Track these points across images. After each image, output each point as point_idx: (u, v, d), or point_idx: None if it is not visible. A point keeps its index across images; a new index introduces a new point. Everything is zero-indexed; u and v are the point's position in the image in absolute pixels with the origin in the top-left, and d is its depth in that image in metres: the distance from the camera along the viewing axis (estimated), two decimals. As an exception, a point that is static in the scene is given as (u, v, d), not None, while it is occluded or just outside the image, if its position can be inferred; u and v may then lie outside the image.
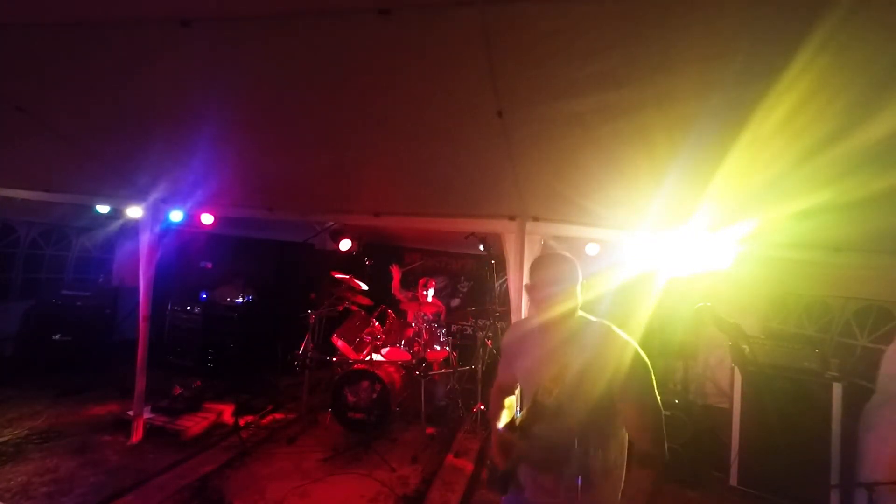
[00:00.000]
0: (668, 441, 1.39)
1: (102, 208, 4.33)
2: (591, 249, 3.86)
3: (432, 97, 1.96)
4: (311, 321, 4.53)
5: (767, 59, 1.36)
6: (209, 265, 6.52)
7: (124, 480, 3.08)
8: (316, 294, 4.85)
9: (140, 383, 3.72)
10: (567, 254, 1.60)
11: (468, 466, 3.72)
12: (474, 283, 6.97)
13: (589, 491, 1.44)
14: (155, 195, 3.70)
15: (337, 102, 2.11)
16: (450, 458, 3.85)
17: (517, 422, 1.57)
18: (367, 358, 4.38)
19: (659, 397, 1.43)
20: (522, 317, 2.92)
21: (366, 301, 4.86)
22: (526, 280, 1.61)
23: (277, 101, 2.17)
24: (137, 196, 3.73)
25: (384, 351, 4.63)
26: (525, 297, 2.88)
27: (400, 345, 4.65)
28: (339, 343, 4.56)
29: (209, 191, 3.52)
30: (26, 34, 1.82)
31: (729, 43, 1.36)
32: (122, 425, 3.77)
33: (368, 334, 4.56)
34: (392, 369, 4.38)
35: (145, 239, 3.74)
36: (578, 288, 1.52)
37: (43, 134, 2.72)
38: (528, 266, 1.70)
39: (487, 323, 4.96)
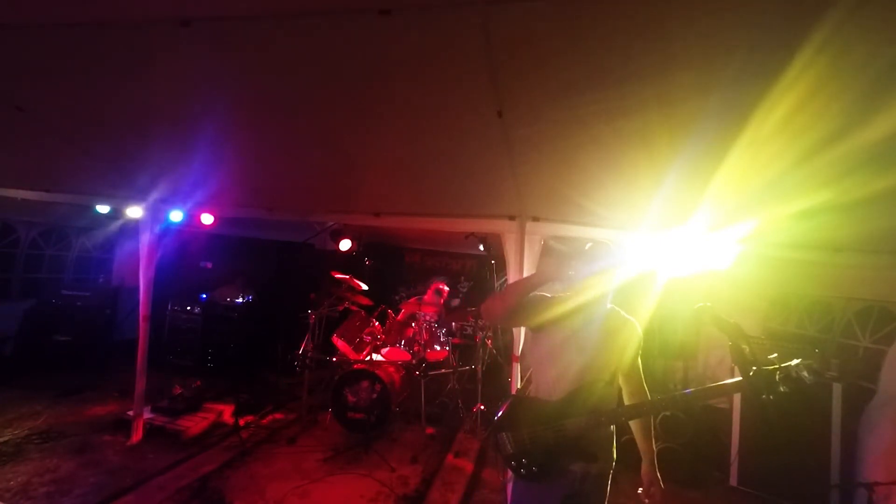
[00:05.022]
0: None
1: (102, 208, 4.33)
2: (591, 249, 3.86)
3: (433, 97, 1.95)
4: (311, 321, 4.53)
5: (767, 59, 1.36)
6: (209, 265, 6.53)
7: (124, 480, 3.08)
8: (316, 294, 4.85)
9: (140, 383, 3.71)
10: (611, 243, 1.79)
11: (468, 466, 3.72)
12: (474, 283, 6.98)
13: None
14: (155, 195, 3.70)
15: (337, 102, 2.11)
16: (450, 458, 3.85)
17: (543, 405, 1.71)
18: (367, 358, 4.38)
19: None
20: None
21: (366, 301, 4.86)
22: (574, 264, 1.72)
23: (277, 100, 2.17)
24: (137, 196, 3.73)
25: (384, 351, 4.63)
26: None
27: (400, 345, 4.66)
28: (339, 343, 4.56)
29: (209, 191, 3.51)
30: (26, 34, 1.82)
31: (729, 43, 1.36)
32: (122, 425, 3.77)
33: (368, 334, 4.56)
34: (392, 369, 4.38)
35: (145, 239, 3.74)
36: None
37: (43, 134, 2.72)
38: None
39: (487, 323, 4.96)
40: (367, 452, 3.76)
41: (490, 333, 4.89)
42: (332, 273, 4.76)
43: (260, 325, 5.82)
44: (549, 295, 1.80)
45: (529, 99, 1.81)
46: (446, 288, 5.13)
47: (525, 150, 2.21)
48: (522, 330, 2.97)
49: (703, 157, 1.85)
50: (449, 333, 4.98)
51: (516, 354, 2.98)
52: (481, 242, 4.24)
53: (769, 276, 3.72)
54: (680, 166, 1.97)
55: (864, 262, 2.61)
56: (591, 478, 1.66)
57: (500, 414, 1.80)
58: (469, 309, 5.80)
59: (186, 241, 5.99)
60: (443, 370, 4.74)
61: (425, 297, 4.92)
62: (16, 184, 3.81)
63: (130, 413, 3.72)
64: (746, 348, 1.43)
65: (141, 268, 3.74)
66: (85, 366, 5.21)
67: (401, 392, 4.41)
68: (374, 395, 3.98)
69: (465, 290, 7.05)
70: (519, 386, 2.95)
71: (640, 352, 1.80)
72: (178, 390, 4.13)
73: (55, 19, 1.71)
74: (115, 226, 6.02)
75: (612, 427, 1.73)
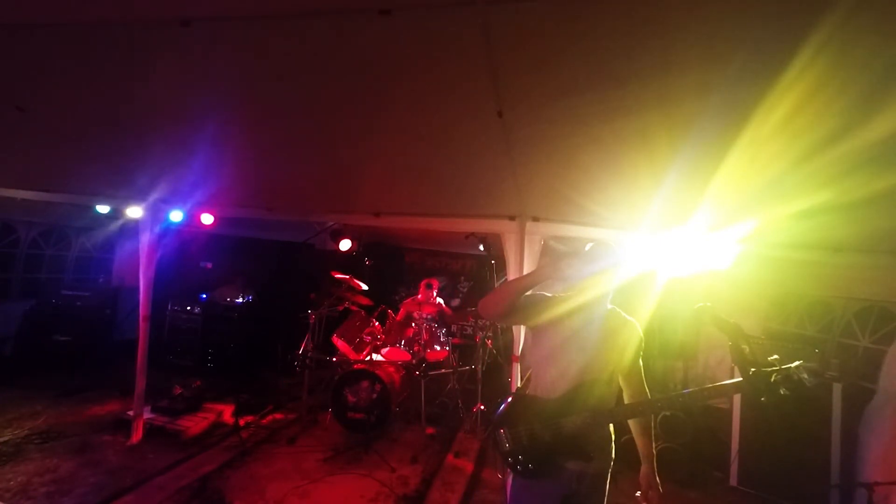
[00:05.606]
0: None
1: (102, 208, 4.34)
2: (591, 249, 3.87)
3: (433, 97, 1.95)
4: (311, 321, 4.54)
5: (767, 59, 1.36)
6: (209, 265, 6.53)
7: (124, 480, 3.08)
8: (316, 294, 4.85)
9: (140, 383, 3.72)
10: (611, 243, 1.78)
11: (468, 466, 3.72)
12: (474, 283, 6.98)
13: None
14: (155, 195, 3.69)
15: (337, 102, 2.11)
16: (450, 458, 3.85)
17: (543, 406, 1.70)
18: (367, 358, 4.39)
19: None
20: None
21: (366, 301, 4.86)
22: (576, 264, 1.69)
23: (277, 100, 2.17)
24: (137, 196, 3.72)
25: (384, 351, 4.63)
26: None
27: (400, 345, 4.66)
28: (339, 343, 4.56)
29: (209, 191, 3.51)
30: (26, 34, 1.82)
31: (729, 43, 1.36)
32: (122, 425, 3.77)
33: (368, 334, 4.56)
34: (392, 369, 4.39)
35: (145, 239, 3.74)
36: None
37: (43, 134, 2.72)
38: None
39: (487, 323, 4.96)
40: (367, 452, 3.76)
41: (490, 333, 4.89)
42: (332, 273, 4.77)
43: (260, 325, 5.83)
44: (549, 294, 1.80)
45: (529, 99, 1.81)
46: (436, 281, 5.13)
47: (525, 150, 2.21)
48: (522, 330, 2.98)
49: (703, 157, 1.85)
50: (449, 333, 4.98)
51: (516, 354, 2.98)
52: (481, 242, 4.23)
53: (769, 276, 3.71)
54: (680, 166, 1.97)
55: (864, 262, 2.61)
56: (588, 477, 1.66)
57: (499, 411, 1.80)
58: (469, 309, 5.81)
59: (186, 241, 5.99)
60: (443, 370, 4.74)
61: (419, 297, 4.93)
62: (16, 184, 3.81)
63: (130, 413, 3.72)
64: (746, 348, 1.43)
65: (141, 268, 3.74)
66: (85, 366, 5.21)
67: (401, 392, 4.41)
68: (374, 395, 3.98)
69: (465, 290, 7.05)
70: (519, 385, 2.96)
71: (642, 353, 1.80)
72: (178, 390, 4.13)
73: (55, 19, 1.71)
74: (115, 226, 6.02)
75: (611, 427, 1.73)
